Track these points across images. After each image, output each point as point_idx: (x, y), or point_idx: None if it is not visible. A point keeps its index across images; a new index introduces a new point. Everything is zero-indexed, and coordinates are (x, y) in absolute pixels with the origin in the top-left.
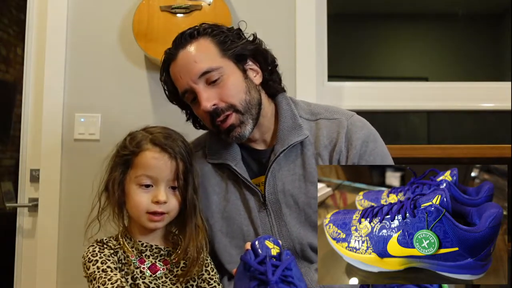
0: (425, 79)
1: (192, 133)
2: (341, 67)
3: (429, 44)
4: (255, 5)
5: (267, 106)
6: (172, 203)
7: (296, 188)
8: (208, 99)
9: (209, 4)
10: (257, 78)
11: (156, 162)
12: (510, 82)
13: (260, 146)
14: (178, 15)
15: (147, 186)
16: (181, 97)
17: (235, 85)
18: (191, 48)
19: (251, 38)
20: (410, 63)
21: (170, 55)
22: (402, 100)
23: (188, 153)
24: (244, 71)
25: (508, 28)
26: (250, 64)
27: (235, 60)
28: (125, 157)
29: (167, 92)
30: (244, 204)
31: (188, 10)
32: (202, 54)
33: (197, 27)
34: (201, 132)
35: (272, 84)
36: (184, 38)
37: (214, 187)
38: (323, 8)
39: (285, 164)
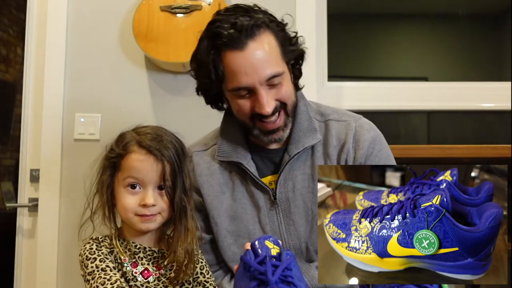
0: (425, 79)
1: (190, 133)
2: (341, 67)
3: (429, 44)
4: None
5: None
6: (162, 205)
7: (306, 188)
8: (268, 103)
9: (209, 4)
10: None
11: (141, 164)
12: (510, 82)
13: (271, 145)
14: (178, 15)
15: (134, 187)
16: (229, 89)
17: (289, 88)
18: (261, 43)
19: (299, 41)
20: (410, 63)
21: (234, 40)
22: (402, 100)
23: (178, 154)
24: (290, 73)
25: (508, 28)
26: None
27: (289, 62)
28: (113, 160)
29: (201, 72)
30: (252, 203)
31: (188, 10)
32: (271, 56)
33: (260, 17)
34: (199, 132)
35: (296, 83)
36: (252, 30)
37: (221, 186)
38: (323, 8)
39: (296, 165)
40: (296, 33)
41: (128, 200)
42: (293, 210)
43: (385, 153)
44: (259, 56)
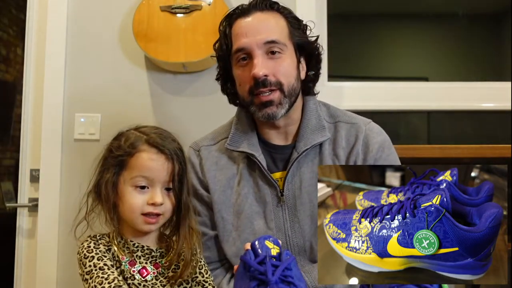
0: (425, 79)
1: (190, 133)
2: (341, 67)
3: (429, 44)
4: None
5: (299, 100)
6: (167, 205)
7: (312, 186)
8: (262, 67)
9: (209, 4)
10: (302, 74)
11: (153, 163)
12: (510, 82)
13: (278, 141)
14: (178, 15)
15: (143, 187)
16: (231, 53)
17: (290, 67)
18: (268, 15)
19: (313, 39)
20: (410, 63)
21: (243, 10)
22: (402, 100)
23: (183, 154)
24: (298, 61)
25: (508, 28)
26: (302, 59)
27: (296, 47)
28: (119, 158)
29: (218, 44)
30: (258, 198)
31: (188, 10)
32: (275, 26)
33: (277, 3)
34: (199, 132)
35: (310, 86)
36: (264, 4)
37: (229, 181)
38: (323, 8)
39: (304, 162)
40: (307, 26)
41: (136, 200)
42: (298, 208)
43: (393, 158)
44: (262, 21)
